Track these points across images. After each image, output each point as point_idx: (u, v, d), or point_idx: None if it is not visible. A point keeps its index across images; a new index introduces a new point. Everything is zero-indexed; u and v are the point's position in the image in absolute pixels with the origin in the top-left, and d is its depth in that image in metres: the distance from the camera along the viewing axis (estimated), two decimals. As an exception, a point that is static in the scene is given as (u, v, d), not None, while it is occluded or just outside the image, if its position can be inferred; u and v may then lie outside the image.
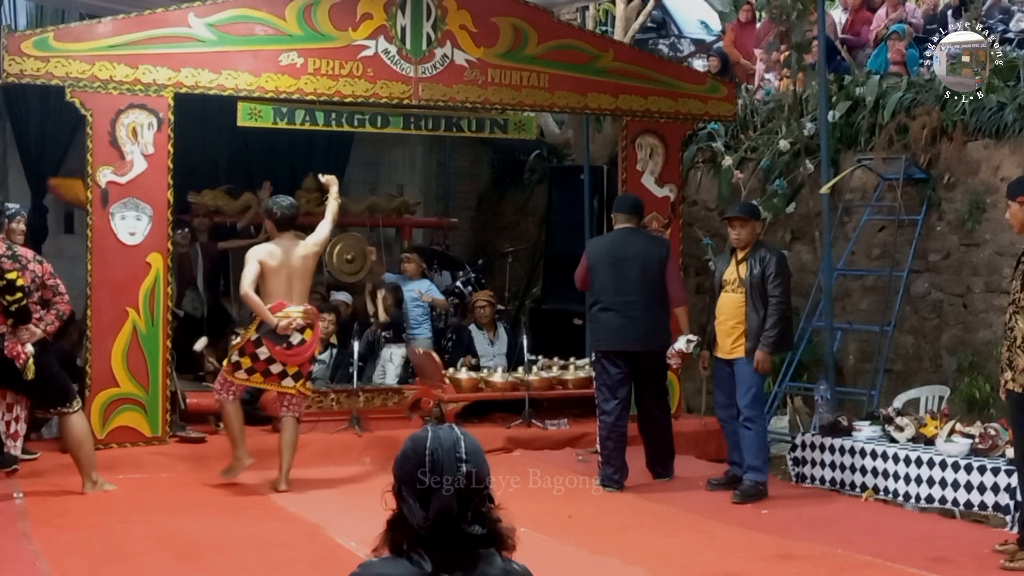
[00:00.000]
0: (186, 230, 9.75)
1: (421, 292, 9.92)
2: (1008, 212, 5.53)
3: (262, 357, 6.76)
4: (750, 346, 6.82)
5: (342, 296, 10.15)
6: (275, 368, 6.80)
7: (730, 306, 6.98)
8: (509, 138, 10.39)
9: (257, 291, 6.71)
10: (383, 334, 9.23)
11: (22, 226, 6.98)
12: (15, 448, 6.63)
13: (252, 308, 6.81)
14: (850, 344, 9.20)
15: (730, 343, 6.98)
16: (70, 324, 7.67)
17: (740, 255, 6.99)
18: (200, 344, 8.78)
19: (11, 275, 6.13)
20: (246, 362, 6.79)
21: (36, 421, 7.39)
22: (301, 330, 6.76)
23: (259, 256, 6.74)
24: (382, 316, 9.45)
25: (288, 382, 6.84)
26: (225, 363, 6.97)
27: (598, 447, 7.35)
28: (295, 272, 6.80)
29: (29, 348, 6.23)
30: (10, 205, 7.12)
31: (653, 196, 8.80)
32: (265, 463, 7.55)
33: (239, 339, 7.01)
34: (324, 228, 7.02)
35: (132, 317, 7.45)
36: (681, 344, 7.13)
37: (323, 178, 7.26)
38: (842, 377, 9.01)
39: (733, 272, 7.00)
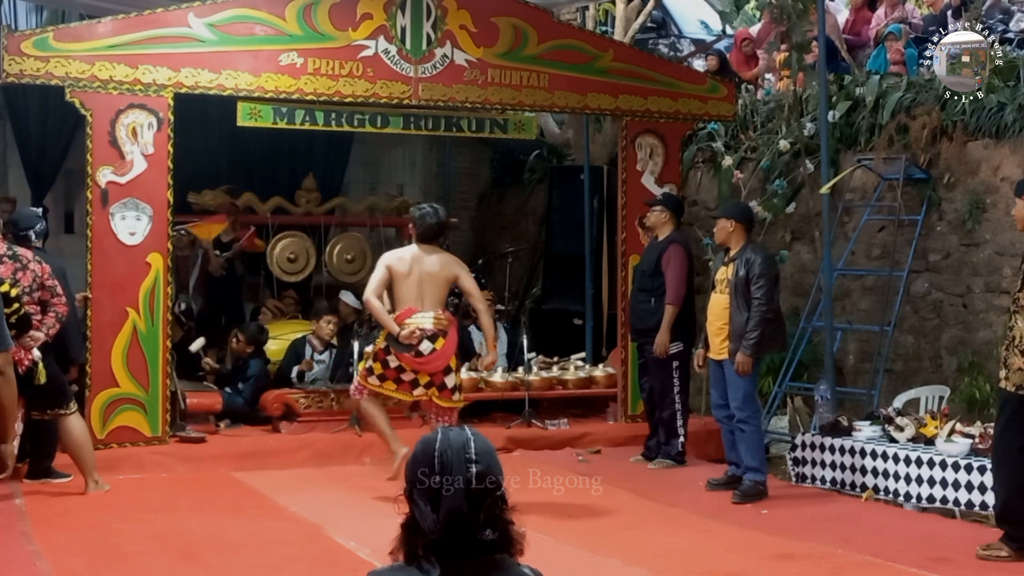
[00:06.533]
0: (182, 232, 9.69)
1: None
2: (1014, 210, 5.56)
3: (392, 365, 6.48)
4: (733, 348, 6.85)
5: (347, 298, 10.11)
6: (406, 376, 6.50)
7: (718, 307, 7.02)
8: (509, 138, 10.38)
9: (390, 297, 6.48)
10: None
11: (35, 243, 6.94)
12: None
13: (373, 315, 6.58)
14: (850, 344, 9.20)
15: (718, 343, 7.01)
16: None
17: (729, 255, 7.01)
18: (196, 345, 8.77)
19: (3, 288, 6.02)
20: (377, 368, 6.53)
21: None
22: (432, 338, 6.37)
23: (387, 261, 6.48)
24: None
25: (419, 391, 6.54)
26: (361, 367, 6.78)
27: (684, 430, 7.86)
28: (427, 278, 6.43)
29: (36, 353, 6.22)
30: (37, 214, 7.15)
31: (653, 196, 8.80)
32: (265, 462, 7.58)
33: (373, 346, 6.72)
34: (474, 288, 6.70)
35: (132, 317, 7.46)
36: None
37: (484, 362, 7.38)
38: (842, 377, 9.01)
39: (723, 272, 7.03)
